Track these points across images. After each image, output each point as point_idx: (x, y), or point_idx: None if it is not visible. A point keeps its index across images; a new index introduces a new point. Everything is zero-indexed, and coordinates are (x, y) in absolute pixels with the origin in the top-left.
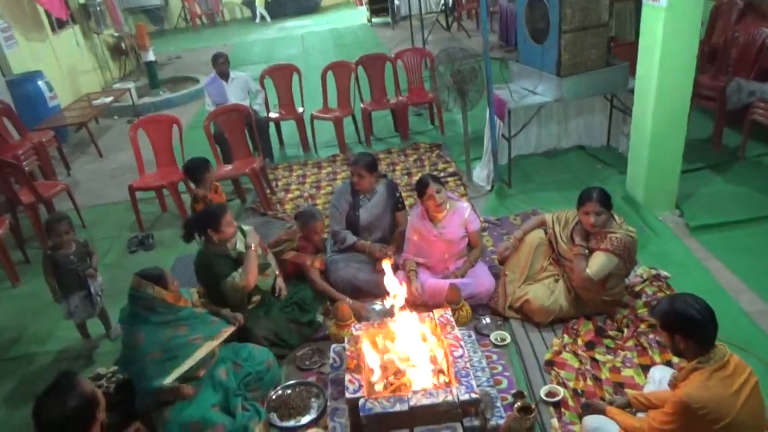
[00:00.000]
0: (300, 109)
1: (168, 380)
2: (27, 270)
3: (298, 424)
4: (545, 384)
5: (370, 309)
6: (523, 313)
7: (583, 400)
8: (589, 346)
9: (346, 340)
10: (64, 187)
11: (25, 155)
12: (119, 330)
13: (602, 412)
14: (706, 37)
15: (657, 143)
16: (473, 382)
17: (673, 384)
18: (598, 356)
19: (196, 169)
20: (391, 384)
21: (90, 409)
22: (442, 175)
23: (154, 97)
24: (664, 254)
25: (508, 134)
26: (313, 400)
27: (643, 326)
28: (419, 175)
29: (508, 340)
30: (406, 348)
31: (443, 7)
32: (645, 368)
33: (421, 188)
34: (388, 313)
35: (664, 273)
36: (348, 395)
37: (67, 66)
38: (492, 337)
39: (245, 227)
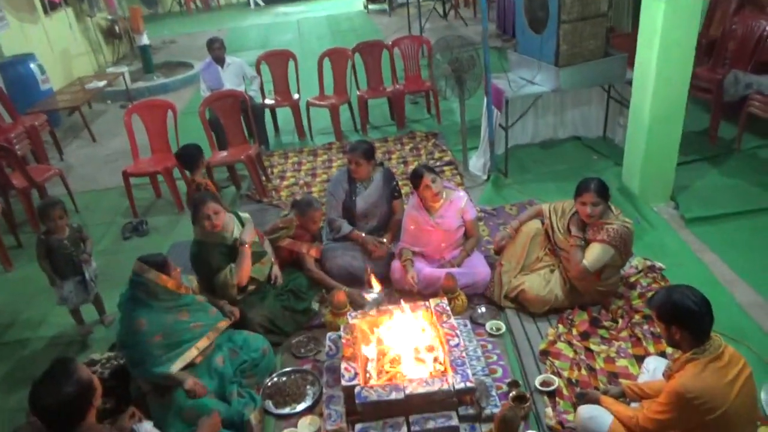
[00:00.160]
0: (296, 96)
1: (173, 368)
2: (20, 255)
3: (293, 411)
4: (540, 373)
5: (366, 297)
6: (518, 303)
7: (577, 389)
8: (584, 336)
9: (341, 329)
10: (57, 172)
11: (18, 139)
12: (114, 316)
13: (596, 401)
14: (703, 28)
15: (654, 135)
16: (469, 371)
17: (668, 374)
18: (592, 346)
19: (189, 157)
20: (387, 372)
21: (86, 396)
22: (438, 164)
23: (148, 82)
24: (659, 246)
25: (506, 124)
26: (308, 387)
27: (637, 317)
28: (415, 163)
29: (504, 329)
30: (402, 337)
31: None
32: (639, 359)
33: (416, 179)
34: (384, 301)
35: (659, 264)
36: (344, 383)
37: (59, 49)
38: (487, 326)
39: (243, 215)
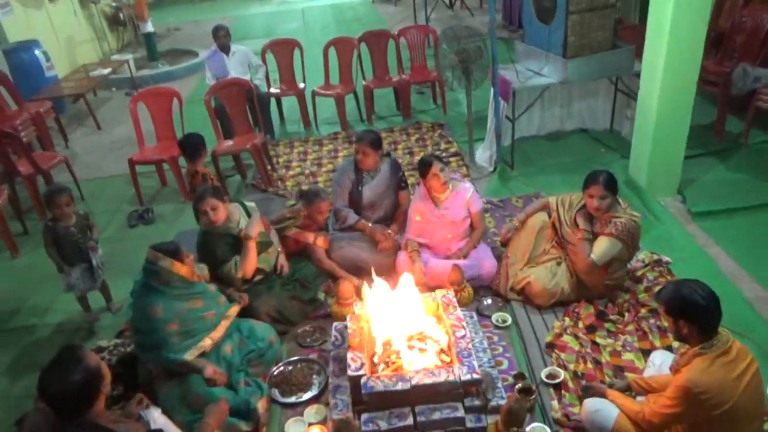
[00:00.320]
0: (301, 85)
1: (188, 356)
2: (26, 241)
3: (299, 399)
4: (546, 366)
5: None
6: (524, 296)
7: (583, 382)
8: (590, 329)
9: (348, 319)
10: (63, 159)
11: (23, 126)
12: (120, 303)
13: (602, 394)
14: (712, 21)
15: (661, 128)
16: (475, 363)
17: (675, 368)
18: (598, 339)
19: (191, 146)
20: (393, 363)
21: (95, 383)
22: (444, 155)
23: (152, 70)
24: (666, 239)
25: (512, 115)
26: (314, 376)
27: (643, 311)
28: (421, 154)
29: (509, 321)
30: (408, 327)
31: None
32: (645, 353)
33: (424, 167)
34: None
35: (665, 258)
36: (350, 373)
37: (63, 36)
38: (493, 318)
39: (249, 204)
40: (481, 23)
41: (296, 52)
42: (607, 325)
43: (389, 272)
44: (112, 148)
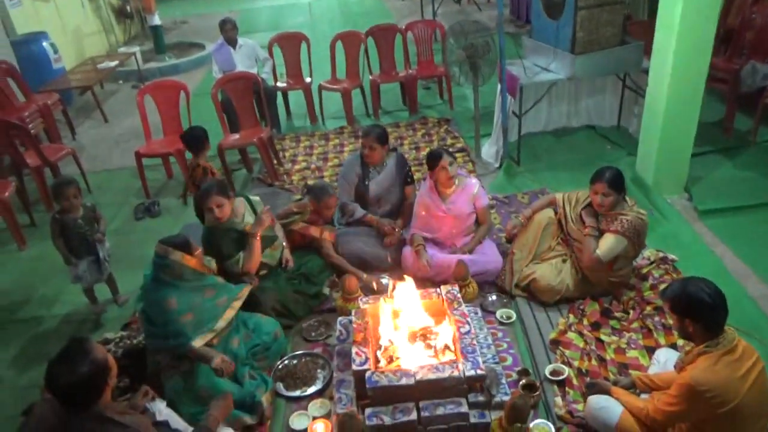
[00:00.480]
0: (308, 79)
1: (200, 340)
2: (33, 233)
3: (303, 393)
4: (550, 362)
5: (383, 283)
6: (529, 292)
7: (587, 379)
8: (595, 326)
9: (353, 313)
10: (70, 151)
11: (31, 118)
12: (127, 296)
13: (606, 391)
14: (721, 18)
15: (669, 125)
16: (479, 359)
17: (680, 366)
18: (603, 337)
19: (194, 139)
20: (397, 358)
21: (102, 375)
22: (450, 150)
23: (159, 63)
24: (672, 237)
25: (519, 111)
26: (319, 371)
27: (649, 308)
28: (427, 149)
29: (514, 317)
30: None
31: None
32: (650, 350)
33: (433, 160)
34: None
35: (671, 256)
36: (355, 367)
37: (71, 28)
38: (498, 314)
39: (254, 198)
40: (488, 18)
41: (303, 46)
42: (612, 322)
43: (394, 267)
44: (119, 141)
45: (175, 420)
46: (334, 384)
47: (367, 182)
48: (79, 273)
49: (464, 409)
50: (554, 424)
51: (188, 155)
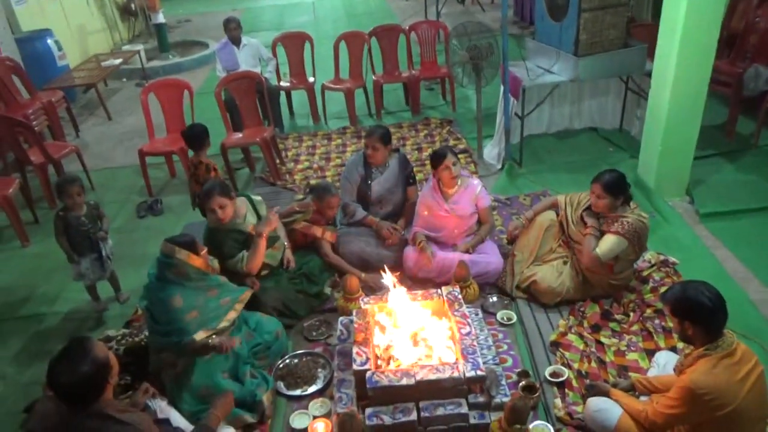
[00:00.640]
0: (311, 79)
1: (200, 335)
2: (36, 230)
3: (304, 393)
4: (550, 364)
5: (383, 283)
6: (530, 294)
7: (587, 381)
8: (595, 328)
9: (354, 313)
10: (74, 149)
11: (35, 115)
12: (129, 294)
13: (606, 394)
14: (725, 21)
15: (672, 128)
16: (479, 360)
17: (679, 369)
18: (603, 339)
19: (195, 136)
20: (396, 359)
21: (103, 374)
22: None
23: (163, 61)
24: (673, 240)
25: (522, 113)
26: (319, 370)
27: (649, 311)
28: (429, 150)
29: (515, 319)
30: (413, 324)
31: None
32: (650, 353)
33: (438, 159)
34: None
35: (672, 259)
36: (355, 367)
37: (76, 25)
38: (498, 315)
39: (255, 198)
40: (492, 19)
41: (307, 46)
42: (612, 324)
43: (396, 267)
44: (123, 139)
45: (176, 418)
46: (334, 383)
47: (369, 182)
48: (81, 270)
49: (464, 409)
50: (553, 425)
51: (190, 153)
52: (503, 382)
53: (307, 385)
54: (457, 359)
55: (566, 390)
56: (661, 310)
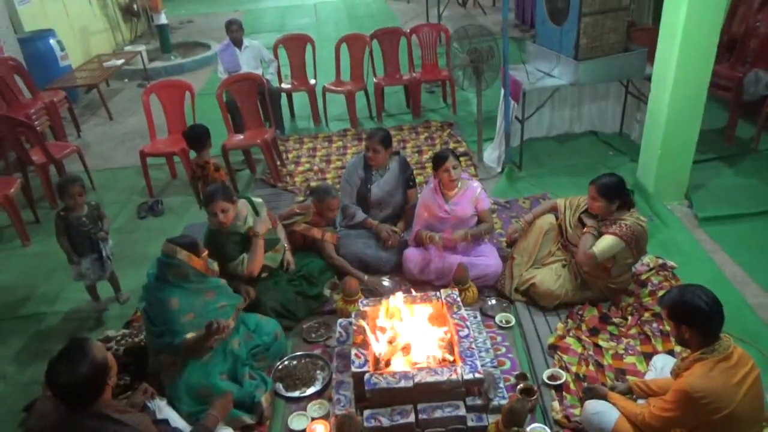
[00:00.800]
0: (312, 81)
1: (191, 334)
2: (37, 230)
3: (303, 394)
4: (548, 367)
5: (381, 284)
6: (528, 297)
7: (584, 384)
8: (593, 332)
9: (353, 315)
10: (75, 149)
11: (37, 115)
12: (128, 294)
13: (603, 397)
14: (725, 25)
15: (671, 132)
16: (477, 362)
17: (676, 373)
18: (601, 342)
19: (196, 137)
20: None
21: (101, 376)
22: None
23: (165, 62)
24: (672, 244)
25: (522, 116)
26: (318, 372)
27: (647, 315)
28: (430, 153)
29: (513, 322)
30: (412, 326)
31: None
32: (647, 356)
33: (439, 161)
34: (398, 289)
35: (670, 263)
36: (354, 369)
37: (78, 25)
38: (497, 318)
39: (256, 200)
40: (493, 22)
41: (308, 48)
42: (610, 328)
43: (395, 269)
44: (124, 140)
45: (175, 418)
46: (333, 385)
47: (369, 185)
48: (82, 271)
49: (462, 412)
50: (551, 428)
51: (193, 155)
52: (501, 385)
53: (306, 386)
54: (455, 361)
55: (564, 393)
56: (659, 313)
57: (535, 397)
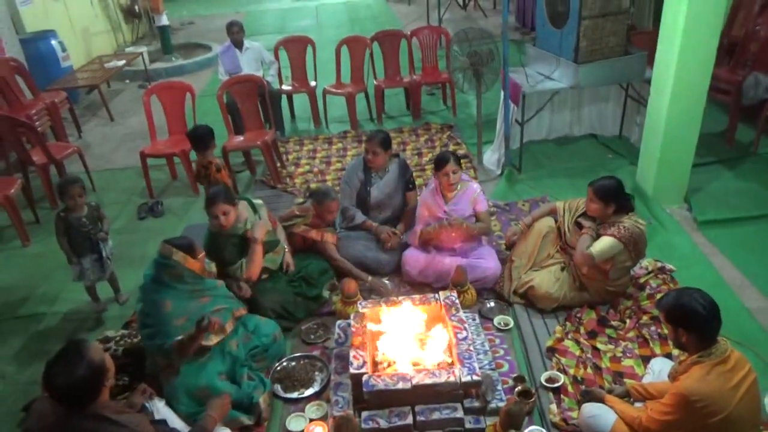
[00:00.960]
0: (313, 83)
1: (179, 337)
2: (37, 230)
3: (301, 395)
4: (546, 370)
5: (384, 284)
6: (527, 299)
7: (582, 387)
8: (591, 334)
9: (351, 317)
10: (76, 150)
11: (38, 115)
12: (128, 295)
13: (601, 400)
14: (725, 28)
15: (670, 135)
16: (475, 365)
17: (674, 376)
18: (599, 345)
19: (200, 137)
20: (393, 362)
21: (99, 377)
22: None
23: (166, 63)
24: (670, 247)
25: (521, 119)
26: (316, 373)
27: (645, 318)
28: (430, 155)
29: (511, 324)
30: (409, 328)
31: None
32: (645, 359)
33: (440, 163)
34: (397, 290)
35: (669, 266)
36: (352, 371)
37: (80, 26)
38: (495, 321)
39: (256, 201)
40: (493, 25)
41: (309, 50)
42: (608, 331)
43: (394, 271)
44: (125, 140)
45: (173, 419)
46: (331, 387)
47: (369, 187)
48: (81, 271)
49: (459, 414)
50: (548, 431)
51: (193, 156)
52: (499, 387)
53: (304, 387)
54: (453, 364)
55: (562, 395)
56: (658, 317)
57: (532, 399)
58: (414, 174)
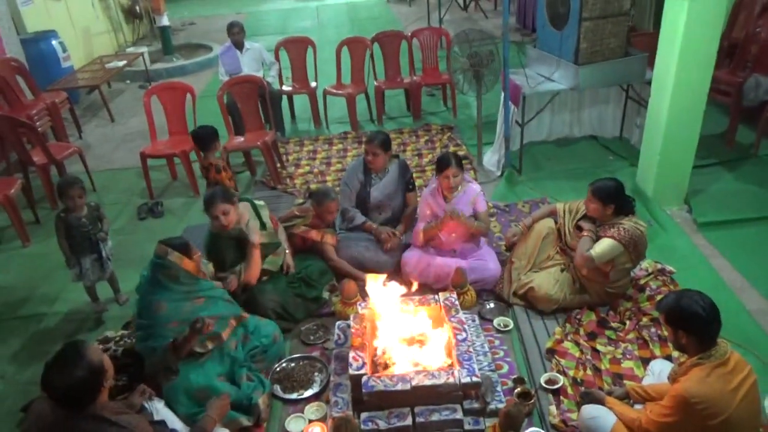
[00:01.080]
0: (313, 84)
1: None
2: (37, 231)
3: (300, 396)
4: (545, 371)
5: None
6: (527, 301)
7: (582, 389)
8: (591, 336)
9: (351, 318)
10: (77, 150)
11: (38, 115)
12: (128, 295)
13: (600, 401)
14: (726, 30)
15: (671, 137)
16: (475, 366)
17: (673, 378)
18: (599, 347)
19: (204, 137)
20: (393, 364)
21: (97, 378)
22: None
23: (167, 63)
24: (671, 249)
25: (522, 120)
26: (316, 374)
27: (645, 319)
28: (430, 156)
29: (511, 326)
30: (410, 329)
31: None
32: (645, 361)
33: (441, 165)
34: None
35: (669, 268)
36: (351, 372)
37: (80, 27)
38: (495, 322)
39: (258, 203)
40: (494, 26)
41: (309, 51)
42: (608, 332)
43: (394, 272)
44: (125, 141)
45: (173, 420)
46: (330, 387)
47: (369, 188)
48: (81, 271)
49: (459, 415)
50: None
51: (193, 156)
52: (498, 389)
53: (304, 388)
54: (452, 365)
55: (561, 397)
56: (658, 318)
57: (532, 401)
58: (414, 175)
